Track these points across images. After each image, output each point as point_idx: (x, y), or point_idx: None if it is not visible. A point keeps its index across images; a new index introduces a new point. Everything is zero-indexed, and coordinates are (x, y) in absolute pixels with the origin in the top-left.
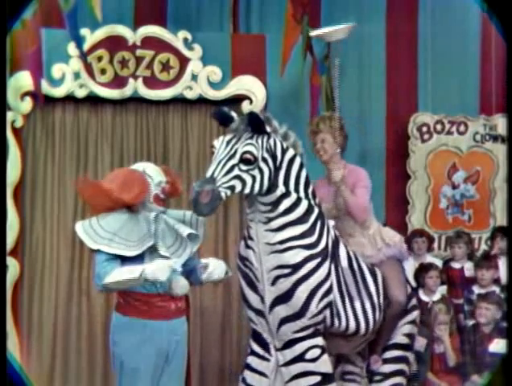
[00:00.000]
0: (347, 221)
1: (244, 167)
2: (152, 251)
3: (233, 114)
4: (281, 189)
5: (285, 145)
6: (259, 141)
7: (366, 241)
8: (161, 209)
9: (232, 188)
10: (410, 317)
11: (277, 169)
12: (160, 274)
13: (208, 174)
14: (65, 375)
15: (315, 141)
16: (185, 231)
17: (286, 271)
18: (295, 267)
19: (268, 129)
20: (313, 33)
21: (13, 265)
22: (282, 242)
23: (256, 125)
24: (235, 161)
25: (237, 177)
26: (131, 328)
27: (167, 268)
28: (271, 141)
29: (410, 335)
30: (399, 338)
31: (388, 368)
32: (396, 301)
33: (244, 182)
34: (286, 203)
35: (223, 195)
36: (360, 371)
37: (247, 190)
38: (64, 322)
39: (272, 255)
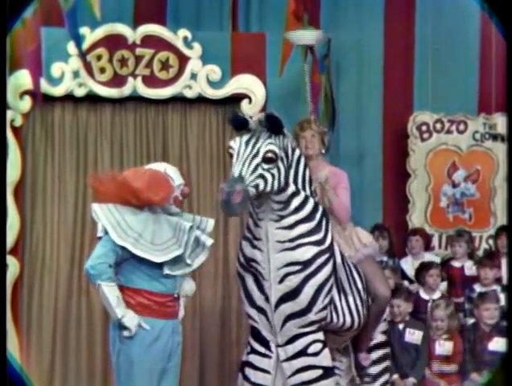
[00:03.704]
0: None
1: (266, 166)
2: (176, 257)
3: (248, 118)
4: (292, 187)
5: (293, 145)
6: (277, 141)
7: (343, 241)
8: (178, 211)
9: (257, 187)
10: (384, 315)
11: (288, 167)
12: (132, 325)
13: (236, 173)
14: (65, 374)
15: (301, 141)
16: (207, 240)
17: (296, 268)
18: (306, 263)
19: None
20: (287, 34)
21: (13, 264)
22: (292, 240)
23: (275, 126)
24: (258, 160)
25: (261, 176)
26: (143, 327)
27: (135, 324)
28: (285, 141)
29: (385, 332)
30: (379, 336)
31: (377, 369)
32: (382, 296)
33: (266, 181)
34: (296, 201)
35: (250, 193)
36: (340, 364)
37: (268, 189)
38: (64, 320)
39: (282, 253)
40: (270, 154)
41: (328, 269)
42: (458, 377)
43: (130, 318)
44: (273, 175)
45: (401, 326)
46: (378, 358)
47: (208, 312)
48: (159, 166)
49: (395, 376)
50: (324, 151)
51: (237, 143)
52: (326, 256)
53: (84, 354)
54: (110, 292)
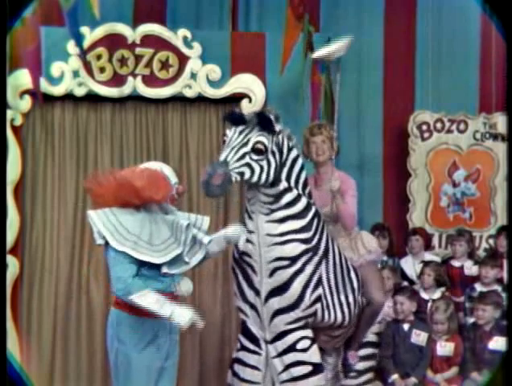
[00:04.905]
0: (331, 225)
1: (254, 157)
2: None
3: (245, 115)
4: (284, 184)
5: (290, 144)
6: (270, 135)
7: (347, 245)
8: (174, 210)
9: (241, 174)
10: (379, 317)
11: (282, 165)
12: (183, 321)
13: (222, 158)
14: (65, 374)
15: (311, 146)
16: (204, 238)
17: (284, 263)
18: (293, 259)
19: (277, 127)
20: (315, 54)
21: (12, 264)
22: (282, 234)
23: (265, 124)
24: (247, 149)
25: (248, 164)
26: (141, 326)
27: (189, 317)
28: (280, 137)
29: (378, 334)
30: (370, 336)
31: (362, 366)
32: (377, 302)
33: (253, 171)
34: (288, 197)
35: (233, 179)
36: (325, 364)
37: (254, 179)
38: (64, 320)
39: (272, 247)
40: (259, 145)
41: (312, 267)
42: (458, 377)
43: (179, 315)
44: (261, 167)
45: (406, 327)
46: (366, 355)
47: (208, 312)
48: (155, 165)
49: (395, 376)
50: (333, 157)
51: (231, 132)
52: (310, 254)
53: (84, 354)
54: (143, 301)
